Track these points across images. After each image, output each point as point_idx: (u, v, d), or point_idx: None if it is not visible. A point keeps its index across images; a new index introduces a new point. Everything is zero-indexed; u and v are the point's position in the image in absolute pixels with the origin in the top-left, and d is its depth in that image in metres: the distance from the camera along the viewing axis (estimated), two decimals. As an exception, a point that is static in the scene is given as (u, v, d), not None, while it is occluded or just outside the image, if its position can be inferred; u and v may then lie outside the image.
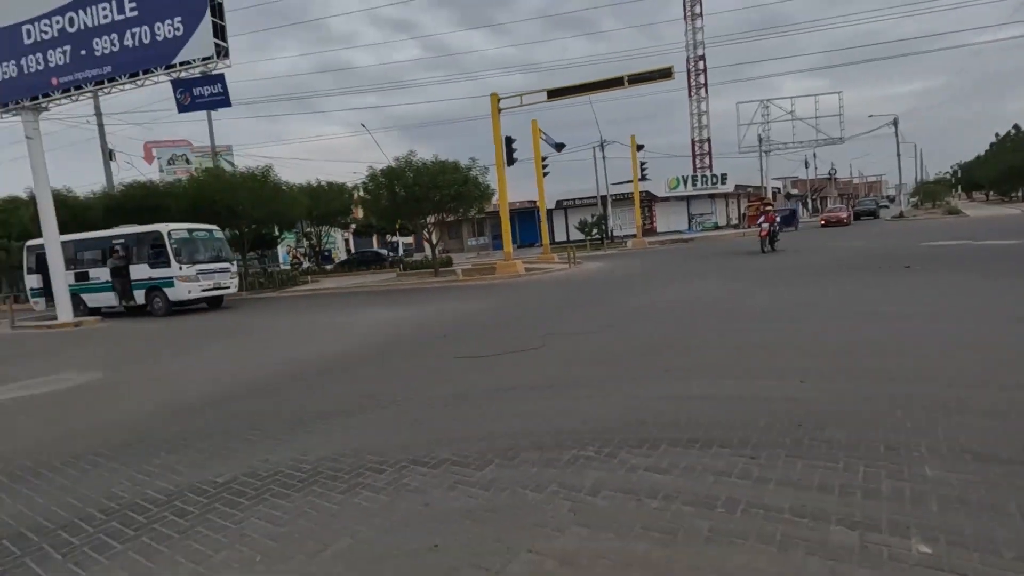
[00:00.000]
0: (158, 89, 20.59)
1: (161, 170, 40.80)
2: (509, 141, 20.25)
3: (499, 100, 19.85)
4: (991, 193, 56.08)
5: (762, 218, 18.83)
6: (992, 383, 3.96)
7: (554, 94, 19.52)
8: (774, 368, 4.86)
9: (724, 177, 43.02)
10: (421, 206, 19.35)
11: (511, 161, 20.45)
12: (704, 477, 2.86)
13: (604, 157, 37.05)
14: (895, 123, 40.47)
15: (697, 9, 50.63)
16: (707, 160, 51.94)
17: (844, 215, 34.27)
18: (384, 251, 35.91)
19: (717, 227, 42.48)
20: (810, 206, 62.22)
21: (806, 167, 56.97)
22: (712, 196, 43.66)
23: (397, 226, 25.39)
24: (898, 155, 42.14)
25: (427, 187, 18.39)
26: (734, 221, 44.83)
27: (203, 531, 2.78)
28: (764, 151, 46.39)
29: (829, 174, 69.74)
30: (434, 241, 21.95)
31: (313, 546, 2.53)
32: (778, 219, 19.64)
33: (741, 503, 2.56)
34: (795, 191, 64.36)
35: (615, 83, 18.41)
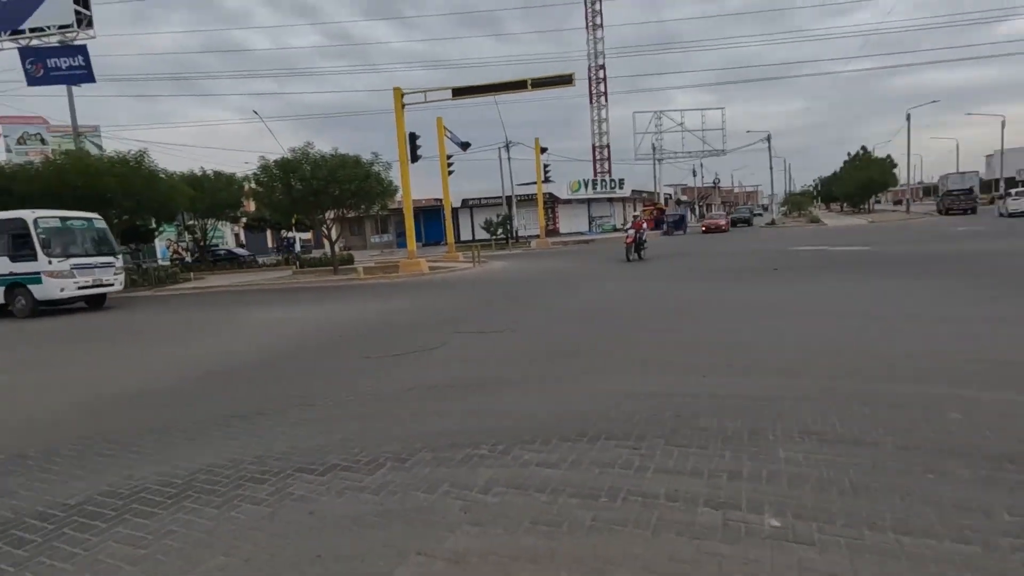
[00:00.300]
0: (2, 56, 17.86)
1: (9, 150, 35.48)
2: (413, 137, 19.92)
3: (403, 95, 19.46)
4: (844, 205, 63.92)
5: (630, 224, 17.84)
6: (857, 375, 4.47)
7: (459, 93, 19.49)
8: (670, 364, 5.19)
9: (622, 182, 45.33)
10: (319, 200, 18.49)
11: (415, 158, 20.14)
12: (590, 469, 2.99)
13: (509, 158, 37.63)
14: (768, 139, 44.90)
15: (598, 20, 52.86)
16: (607, 165, 54.40)
17: (723, 222, 37.04)
18: (242, 251, 33.89)
19: (615, 229, 44.67)
20: (697, 212, 67.23)
21: (694, 176, 61.57)
22: (611, 200, 45.85)
23: (293, 221, 24.04)
24: (770, 168, 46.82)
25: (326, 181, 17.61)
26: (630, 224, 47.33)
27: (46, 561, 2.46)
28: (657, 159, 49.51)
29: (713, 183, 75.88)
30: (333, 237, 21.08)
31: (180, 567, 2.32)
32: (645, 226, 18.53)
33: (622, 492, 2.71)
34: (684, 198, 69.33)
35: (519, 86, 18.75)
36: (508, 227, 35.67)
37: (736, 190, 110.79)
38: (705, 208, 71.67)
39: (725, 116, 50.79)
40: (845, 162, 58.64)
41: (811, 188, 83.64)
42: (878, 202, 64.76)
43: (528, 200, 40.67)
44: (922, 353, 4.95)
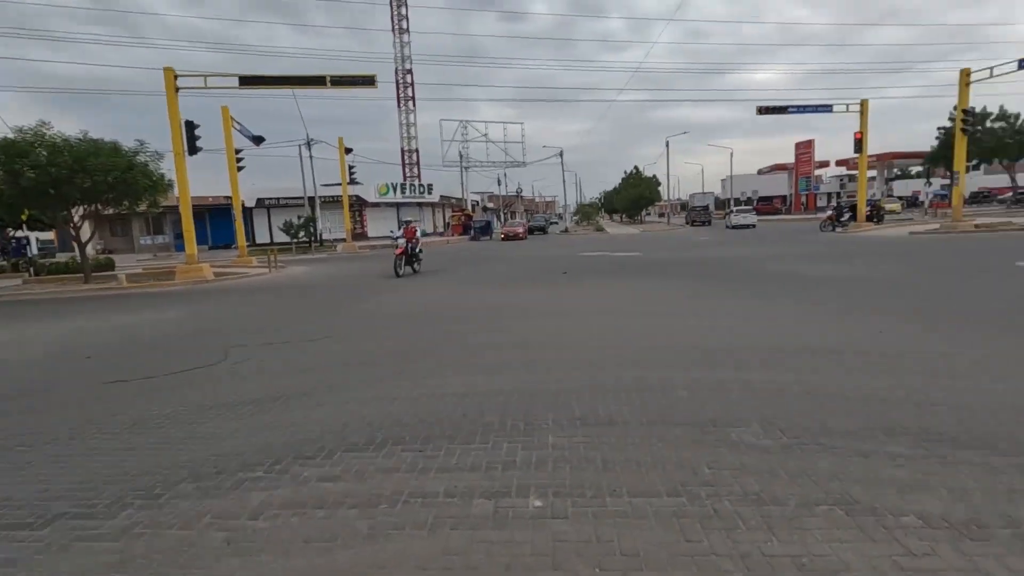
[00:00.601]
0: None
1: None
2: (191, 126, 17.53)
3: (176, 77, 17.02)
4: (623, 216, 73.76)
5: (400, 231, 14.94)
6: (619, 365, 5.16)
7: (248, 82, 17.75)
8: (464, 365, 5.38)
9: (430, 187, 45.84)
10: (62, 193, 15.13)
11: (194, 150, 17.74)
12: (374, 477, 2.97)
13: (312, 156, 35.44)
14: (561, 155, 49.54)
15: (404, 25, 52.75)
16: (416, 170, 54.54)
17: (520, 230, 38.63)
18: None
19: (425, 234, 44.99)
20: (503, 218, 71.16)
21: (499, 184, 65.00)
22: (420, 204, 46.05)
23: (24, 218, 19.27)
24: (563, 181, 51.77)
25: (71, 170, 14.49)
26: (440, 229, 48.19)
27: None
28: (464, 167, 51.18)
29: (516, 192, 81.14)
30: (83, 239, 17.43)
31: None
32: (419, 234, 15.63)
33: (403, 496, 2.75)
34: (491, 205, 72.91)
35: (317, 81, 17.76)
36: (311, 229, 33.51)
37: (537, 199, 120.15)
38: (509, 215, 76.27)
39: (524, 130, 54.73)
40: (622, 179, 67.59)
41: (597, 200, 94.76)
42: (648, 214, 76.00)
43: (333, 202, 38.74)
44: (666, 345, 5.95)
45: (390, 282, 13.55)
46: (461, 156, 51.75)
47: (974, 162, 40.34)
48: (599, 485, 2.78)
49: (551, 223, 56.87)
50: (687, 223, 49.66)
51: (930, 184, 41.75)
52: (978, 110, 34.82)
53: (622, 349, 5.66)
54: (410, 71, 53.42)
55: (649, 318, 7.44)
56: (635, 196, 59.72)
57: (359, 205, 41.65)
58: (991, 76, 22.55)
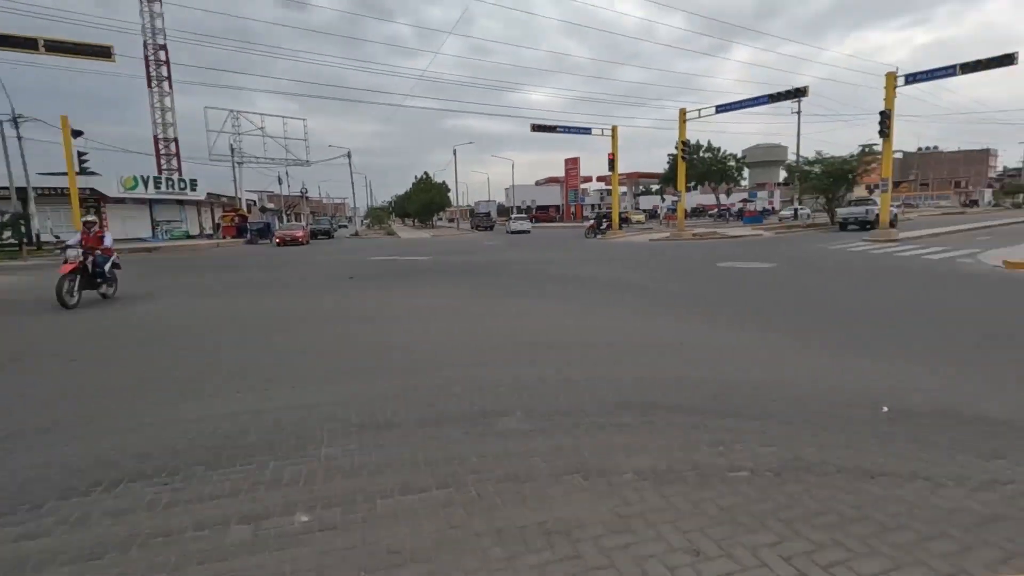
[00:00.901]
0: None
1: None
2: None
3: None
4: (415, 220, 74.29)
5: (71, 241, 9.86)
6: (417, 367, 5.15)
7: (-90, 31, 13.33)
8: (213, 385, 4.82)
9: (194, 183, 40.07)
10: None
11: None
12: (100, 524, 2.52)
13: (20, 137, 28.10)
14: (349, 156, 47.81)
15: (154, -9, 45.08)
16: (175, 162, 47.07)
17: (300, 233, 33.98)
18: None
19: (189, 236, 39.20)
20: (285, 220, 65.71)
21: (280, 183, 59.91)
22: (182, 202, 39.99)
23: None
24: (352, 183, 50.04)
25: None
26: (208, 231, 42.47)
27: None
28: (237, 162, 45.95)
29: (301, 193, 75.74)
30: None
31: None
32: (109, 241, 10.52)
33: (139, 538, 2.39)
34: (271, 205, 66.69)
35: (27, 44, 14.19)
36: (22, 229, 26.54)
37: (326, 201, 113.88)
38: (294, 217, 70.78)
39: (308, 127, 51.27)
40: (413, 184, 68.09)
41: (389, 204, 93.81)
42: (440, 219, 77.90)
43: (58, 195, 31.36)
44: (446, 346, 6.20)
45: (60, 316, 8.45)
46: (233, 150, 46.30)
47: (692, 183, 50.37)
48: (370, 490, 2.79)
49: (341, 226, 54.39)
50: (472, 228, 53.05)
51: (664, 200, 50.98)
52: (693, 142, 43.56)
53: (404, 353, 5.73)
54: (164, 47, 45.94)
55: (432, 322, 7.65)
56: (426, 201, 60.73)
57: (96, 201, 34.36)
58: (699, 116, 28.49)
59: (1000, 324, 6.45)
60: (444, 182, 64.18)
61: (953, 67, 19.95)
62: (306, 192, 75.24)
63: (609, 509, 2.56)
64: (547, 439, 3.38)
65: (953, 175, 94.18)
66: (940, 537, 2.29)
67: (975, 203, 63.40)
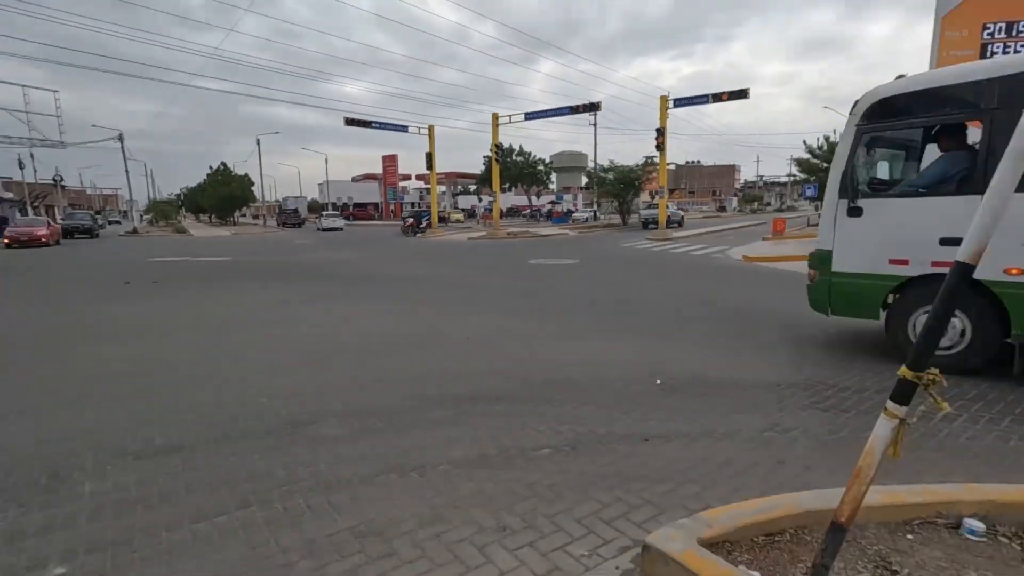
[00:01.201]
0: None
1: None
2: None
3: None
4: (212, 216, 65.82)
5: None
6: (213, 378, 4.53)
7: None
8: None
9: None
10: None
11: None
12: None
13: None
14: (121, 138, 40.54)
15: None
16: None
17: (43, 232, 25.61)
18: None
19: None
20: (30, 213, 53.21)
21: (21, 168, 48.37)
22: None
23: None
24: (127, 171, 42.53)
25: None
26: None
27: None
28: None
29: (55, 180, 62.00)
30: None
31: None
32: None
33: None
34: (10, 194, 53.35)
35: None
36: None
37: (91, 192, 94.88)
38: (44, 210, 57.55)
39: (60, 101, 41.94)
40: (208, 175, 60.31)
41: (178, 197, 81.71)
42: (243, 216, 70.24)
43: None
44: (249, 355, 5.67)
45: None
46: (-55, 122, 36.01)
47: (507, 185, 53.12)
48: (151, 524, 2.45)
49: (111, 221, 45.77)
50: (279, 225, 49.47)
51: (481, 200, 52.91)
52: (507, 146, 45.87)
53: (197, 367, 5.11)
54: None
55: (232, 333, 6.93)
56: (225, 195, 54.26)
57: None
58: (511, 121, 30.19)
59: (742, 305, 8.02)
60: (247, 175, 57.96)
61: (706, 96, 24.17)
62: (61, 180, 61.92)
63: (423, 502, 2.62)
64: (363, 442, 3.32)
65: (711, 185, 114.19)
66: (689, 483, 2.80)
67: (724, 208, 77.82)
